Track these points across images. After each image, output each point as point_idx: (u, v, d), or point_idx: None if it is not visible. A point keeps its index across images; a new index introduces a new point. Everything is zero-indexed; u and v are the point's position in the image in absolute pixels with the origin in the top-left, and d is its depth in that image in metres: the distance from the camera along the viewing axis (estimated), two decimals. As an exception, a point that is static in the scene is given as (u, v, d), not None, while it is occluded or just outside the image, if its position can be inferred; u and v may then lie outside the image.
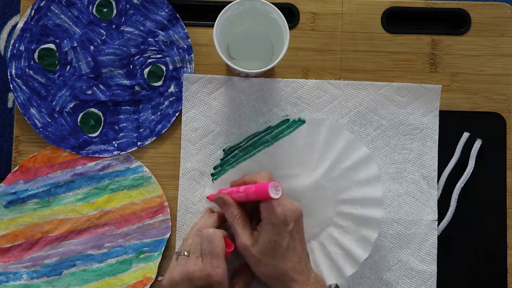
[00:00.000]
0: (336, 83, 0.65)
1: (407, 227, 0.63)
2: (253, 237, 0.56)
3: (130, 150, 0.64)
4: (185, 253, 0.56)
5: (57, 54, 0.64)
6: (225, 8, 0.57)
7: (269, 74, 0.65)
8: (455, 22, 0.67)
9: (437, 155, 0.64)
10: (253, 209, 0.58)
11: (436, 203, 0.64)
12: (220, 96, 0.65)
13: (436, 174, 0.64)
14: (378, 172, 0.62)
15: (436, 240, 0.63)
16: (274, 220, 0.54)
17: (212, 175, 0.64)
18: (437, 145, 0.64)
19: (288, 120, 0.64)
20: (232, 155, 0.64)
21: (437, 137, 0.64)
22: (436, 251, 0.63)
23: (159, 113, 0.64)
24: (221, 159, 0.64)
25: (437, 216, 0.63)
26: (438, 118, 0.65)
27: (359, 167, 0.62)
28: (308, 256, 0.57)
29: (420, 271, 0.63)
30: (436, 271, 0.63)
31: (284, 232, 0.54)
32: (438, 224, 0.63)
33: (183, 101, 0.64)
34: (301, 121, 0.64)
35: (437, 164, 0.64)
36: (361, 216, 0.61)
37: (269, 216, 0.54)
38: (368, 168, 0.62)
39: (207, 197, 0.63)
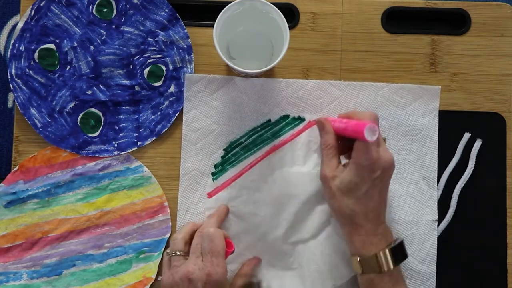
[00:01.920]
0: (336, 84, 0.65)
1: (407, 228, 0.63)
2: (338, 170, 0.56)
3: (130, 150, 0.64)
4: (178, 253, 0.56)
5: (57, 54, 0.64)
6: (225, 8, 0.57)
7: (269, 74, 0.65)
8: (455, 22, 0.67)
9: (437, 155, 0.64)
10: (347, 147, 0.58)
11: (436, 203, 0.64)
12: (221, 96, 0.65)
13: (436, 175, 0.64)
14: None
15: (436, 240, 0.63)
16: (362, 162, 0.53)
17: (213, 174, 0.64)
18: (436, 146, 0.64)
19: (288, 116, 0.64)
20: (232, 153, 0.64)
21: (437, 138, 0.64)
22: (435, 252, 0.63)
23: (159, 113, 0.64)
24: (222, 157, 0.64)
25: (437, 216, 0.63)
26: (437, 119, 0.65)
27: None
28: (385, 206, 0.57)
29: (419, 272, 0.63)
30: (435, 271, 0.63)
31: (367, 177, 0.54)
32: (438, 224, 0.63)
33: (184, 101, 0.64)
34: (301, 119, 0.64)
35: (437, 165, 0.64)
36: None
37: (359, 156, 0.54)
38: None
39: (207, 194, 0.63)
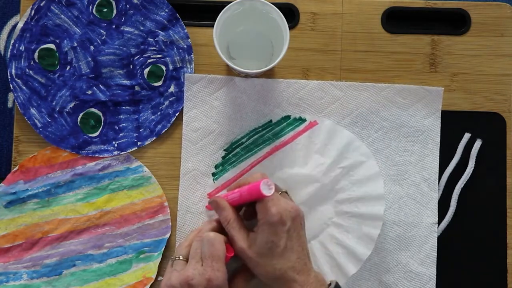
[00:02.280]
0: (337, 85, 0.65)
1: (407, 230, 0.63)
2: (250, 238, 0.56)
3: (130, 150, 0.64)
4: (181, 258, 0.56)
5: (57, 54, 0.64)
6: (225, 8, 0.57)
7: (269, 74, 0.65)
8: (455, 22, 0.67)
9: (438, 157, 0.64)
10: (251, 214, 0.58)
11: (437, 205, 0.64)
12: (222, 96, 0.65)
13: (437, 177, 0.64)
14: (378, 168, 0.62)
15: (436, 242, 0.63)
16: (270, 219, 0.53)
17: (213, 174, 0.64)
18: (438, 148, 0.64)
19: (289, 117, 0.64)
20: (233, 154, 0.64)
21: (439, 139, 0.64)
22: (435, 254, 0.63)
23: (159, 113, 0.64)
24: (223, 157, 0.64)
25: (437, 218, 0.63)
26: (440, 121, 0.64)
27: (359, 165, 0.62)
28: (308, 254, 0.57)
29: (419, 274, 0.63)
30: (435, 274, 0.63)
31: (281, 231, 0.54)
32: (438, 225, 0.63)
33: (184, 101, 0.64)
34: (302, 120, 0.64)
35: (438, 167, 0.64)
36: (362, 213, 0.61)
37: (264, 216, 0.54)
38: (368, 166, 0.62)
39: (208, 194, 0.63)
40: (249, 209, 0.59)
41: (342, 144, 0.62)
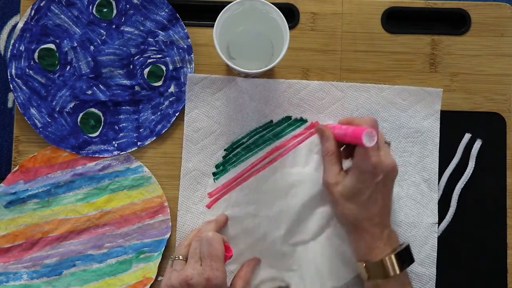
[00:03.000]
0: (338, 85, 0.65)
1: (407, 230, 0.63)
2: (340, 176, 0.56)
3: (130, 150, 0.64)
4: (180, 257, 0.56)
5: (57, 54, 0.64)
6: (225, 8, 0.57)
7: (269, 74, 0.65)
8: (455, 22, 0.67)
9: (438, 158, 0.64)
10: (350, 154, 0.58)
11: (437, 206, 0.64)
12: (223, 96, 0.65)
13: (437, 177, 0.64)
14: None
15: (436, 243, 0.63)
16: (364, 167, 0.53)
17: (214, 174, 0.64)
18: (438, 148, 0.64)
19: (290, 117, 0.64)
20: (234, 154, 0.64)
21: (438, 140, 0.64)
22: (435, 254, 0.63)
23: (159, 113, 0.64)
24: (223, 157, 0.64)
25: (437, 219, 0.63)
26: (439, 121, 0.64)
27: None
28: (389, 211, 0.57)
29: (419, 274, 0.62)
30: (435, 274, 0.63)
31: (370, 181, 0.54)
32: (439, 225, 0.63)
33: (186, 101, 0.64)
34: (303, 120, 0.64)
35: (438, 167, 0.64)
36: None
37: (360, 162, 0.54)
38: None
39: (208, 194, 0.63)
40: (348, 148, 0.59)
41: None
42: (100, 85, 0.64)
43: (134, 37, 0.64)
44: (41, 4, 0.64)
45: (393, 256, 0.54)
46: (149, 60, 0.65)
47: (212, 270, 0.53)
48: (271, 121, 0.64)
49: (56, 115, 0.64)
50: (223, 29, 0.58)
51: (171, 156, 0.65)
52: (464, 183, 0.64)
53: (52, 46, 0.64)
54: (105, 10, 0.64)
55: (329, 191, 0.56)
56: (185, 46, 0.65)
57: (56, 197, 0.63)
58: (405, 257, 0.55)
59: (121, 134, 0.64)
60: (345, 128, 0.56)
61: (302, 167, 0.63)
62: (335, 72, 0.65)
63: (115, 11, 0.65)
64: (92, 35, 0.64)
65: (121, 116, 0.64)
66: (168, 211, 0.63)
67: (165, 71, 0.65)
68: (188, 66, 0.65)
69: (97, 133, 0.64)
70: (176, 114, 0.64)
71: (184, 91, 0.65)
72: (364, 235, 0.55)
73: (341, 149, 0.59)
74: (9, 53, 0.64)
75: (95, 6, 0.64)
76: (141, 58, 0.65)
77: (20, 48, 0.64)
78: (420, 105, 0.65)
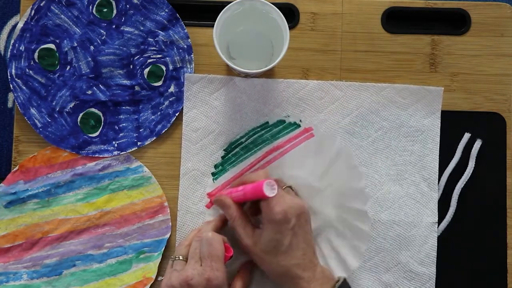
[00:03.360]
0: (337, 84, 0.65)
1: (407, 229, 0.63)
2: (255, 235, 0.56)
3: (130, 150, 0.64)
4: (180, 258, 0.56)
5: (57, 54, 0.64)
6: (225, 8, 0.57)
7: (269, 74, 0.65)
8: (455, 22, 0.67)
9: (438, 157, 0.64)
10: (256, 210, 0.58)
11: (437, 205, 0.64)
12: (222, 96, 0.65)
13: (437, 176, 0.64)
14: (364, 185, 0.62)
15: (436, 242, 0.63)
16: (274, 218, 0.53)
17: (213, 174, 0.64)
18: (438, 147, 0.64)
19: (284, 121, 0.64)
20: (233, 153, 0.64)
21: (439, 139, 0.64)
22: (435, 254, 0.63)
23: (159, 113, 0.64)
24: (222, 157, 0.64)
25: (437, 218, 0.63)
26: (439, 120, 0.64)
27: (349, 176, 0.62)
28: (314, 250, 0.57)
29: (419, 273, 0.62)
30: (435, 273, 0.63)
31: (285, 229, 0.54)
32: (438, 225, 0.63)
33: (184, 101, 0.64)
34: (297, 125, 0.64)
35: (438, 166, 0.64)
36: (352, 225, 0.61)
37: (269, 214, 0.54)
38: (355, 179, 0.62)
39: (207, 194, 0.63)
40: (254, 205, 0.59)
41: (337, 148, 0.62)
42: (100, 85, 0.64)
43: (134, 37, 0.65)
44: (41, 4, 0.64)
45: None
46: (149, 60, 0.65)
47: (212, 271, 0.53)
48: (267, 122, 0.64)
49: (56, 115, 0.64)
50: (223, 29, 0.58)
51: (171, 156, 0.65)
52: (464, 183, 0.64)
53: (52, 46, 0.64)
54: (105, 10, 0.64)
55: (251, 252, 0.56)
56: (185, 46, 0.65)
57: (56, 197, 0.63)
58: None
59: (121, 134, 0.64)
60: (243, 188, 0.57)
61: (299, 169, 0.63)
62: (335, 72, 0.65)
63: (115, 11, 0.65)
64: (92, 35, 0.64)
65: (121, 116, 0.64)
66: (168, 211, 0.63)
67: (165, 71, 0.65)
68: (188, 66, 0.65)
69: (97, 133, 0.64)
70: (176, 114, 0.64)
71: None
72: (299, 283, 0.54)
73: (245, 208, 0.59)
74: (9, 53, 0.64)
75: (95, 6, 0.64)
76: (141, 58, 0.65)
77: (20, 48, 0.64)
78: (420, 103, 0.65)
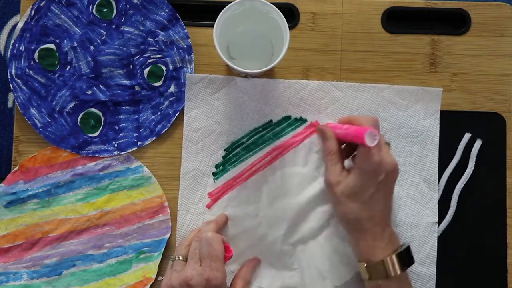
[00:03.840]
0: (338, 85, 0.65)
1: (407, 230, 0.63)
2: (342, 175, 0.56)
3: (130, 150, 0.64)
4: (180, 258, 0.56)
5: (57, 54, 0.64)
6: (225, 8, 0.57)
7: (269, 74, 0.65)
8: (455, 22, 0.67)
9: (437, 157, 0.64)
10: (352, 152, 0.58)
11: (437, 205, 0.64)
12: (223, 96, 0.65)
13: (437, 177, 0.64)
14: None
15: (436, 242, 0.63)
16: (366, 166, 0.54)
17: (214, 174, 0.64)
18: (437, 148, 0.64)
19: (289, 117, 0.64)
20: (234, 153, 0.64)
21: (438, 140, 0.64)
22: (435, 254, 0.63)
23: (159, 113, 0.64)
24: (223, 157, 0.64)
25: (437, 219, 0.63)
26: (439, 121, 0.64)
27: None
28: (390, 211, 0.56)
29: (419, 274, 0.62)
30: (435, 273, 0.63)
31: (372, 181, 0.54)
32: (438, 225, 0.63)
33: (185, 101, 0.64)
34: (303, 120, 0.64)
35: (437, 167, 0.64)
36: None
37: (362, 161, 0.54)
38: None
39: (208, 194, 0.63)
40: (351, 147, 0.59)
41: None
42: (100, 85, 0.64)
43: (134, 37, 0.65)
44: (41, 4, 0.64)
45: (394, 257, 0.54)
46: (149, 60, 0.65)
47: (212, 271, 0.53)
48: (271, 120, 0.64)
49: (56, 115, 0.64)
50: (223, 29, 0.58)
51: (171, 156, 0.65)
52: (464, 183, 0.64)
53: (52, 46, 0.64)
54: (105, 10, 0.64)
55: (331, 190, 0.56)
56: (185, 46, 0.65)
57: (56, 197, 0.63)
58: (406, 257, 0.55)
59: (121, 134, 0.64)
60: (347, 128, 0.56)
61: (302, 166, 0.63)
62: (335, 72, 0.65)
63: (115, 11, 0.65)
64: (92, 35, 0.64)
65: (121, 116, 0.64)
66: (168, 211, 0.63)
67: (165, 71, 0.65)
68: (188, 66, 0.65)
69: (97, 133, 0.64)
70: (176, 114, 0.64)
71: (184, 91, 0.65)
72: (365, 235, 0.55)
73: (342, 147, 0.59)
74: (9, 53, 0.64)
75: (95, 6, 0.64)
76: (141, 58, 0.65)
77: (20, 48, 0.64)
78: (419, 104, 0.65)
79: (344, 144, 0.60)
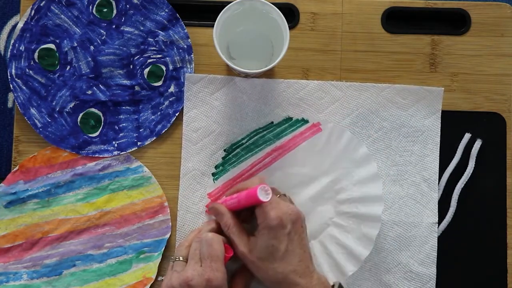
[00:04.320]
0: (338, 85, 0.65)
1: (407, 230, 0.63)
2: (250, 243, 0.56)
3: (130, 150, 0.64)
4: (181, 258, 0.56)
5: (57, 54, 0.64)
6: (225, 8, 0.57)
7: (269, 74, 0.65)
8: (455, 22, 0.67)
9: (438, 157, 0.64)
10: (251, 216, 0.58)
11: (437, 205, 0.64)
12: (222, 96, 0.65)
13: (437, 177, 0.64)
14: (377, 170, 0.62)
15: (436, 242, 0.63)
16: (269, 223, 0.53)
17: (213, 174, 0.64)
18: (438, 148, 0.64)
19: (291, 118, 0.64)
20: (233, 154, 0.64)
21: (439, 139, 0.64)
22: (436, 254, 0.63)
23: (159, 113, 0.64)
24: (223, 158, 0.64)
25: (437, 219, 0.63)
26: (440, 121, 0.64)
27: (359, 166, 0.62)
28: (310, 257, 0.56)
29: (419, 274, 0.62)
30: (435, 274, 0.63)
31: (281, 235, 0.53)
32: (439, 226, 0.63)
33: (184, 101, 0.64)
34: (304, 121, 0.64)
35: (438, 167, 0.64)
36: (361, 214, 0.60)
37: (264, 220, 0.54)
38: (367, 167, 0.62)
39: (208, 194, 0.63)
40: (248, 212, 0.59)
41: (342, 145, 0.62)
42: (100, 85, 0.64)
43: (134, 37, 0.65)
44: (41, 4, 0.64)
45: None
46: (149, 60, 0.65)
47: (212, 271, 0.53)
48: (272, 122, 0.64)
49: (56, 115, 0.64)
50: (223, 29, 0.58)
51: (171, 156, 0.65)
52: (464, 183, 0.64)
53: (52, 46, 0.64)
54: (105, 10, 0.64)
55: (247, 260, 0.56)
56: (185, 46, 0.65)
57: (56, 197, 0.63)
58: None
59: (121, 134, 0.64)
60: (237, 196, 0.57)
61: (302, 167, 0.63)
62: (335, 72, 0.65)
63: (115, 11, 0.65)
64: (92, 35, 0.64)
65: (121, 116, 0.64)
66: (168, 211, 0.63)
67: (165, 71, 0.65)
68: (188, 66, 0.65)
69: (97, 133, 0.64)
70: (176, 114, 0.64)
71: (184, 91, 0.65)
72: None
73: (241, 216, 0.59)
74: (9, 53, 0.64)
75: (95, 6, 0.64)
76: (141, 58, 0.65)
77: (20, 48, 0.64)
78: (420, 104, 0.65)
79: (242, 213, 0.60)
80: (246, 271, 0.60)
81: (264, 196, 0.53)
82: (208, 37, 0.61)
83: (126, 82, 0.64)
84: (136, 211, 0.63)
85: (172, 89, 0.65)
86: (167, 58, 0.65)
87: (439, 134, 0.64)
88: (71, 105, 0.64)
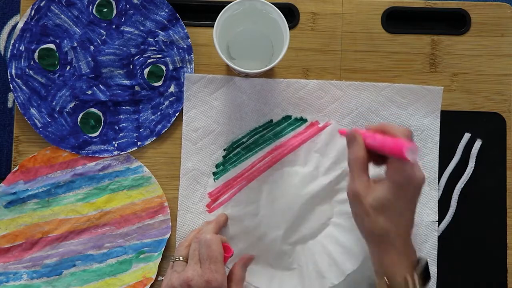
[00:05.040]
0: (337, 84, 0.65)
1: (408, 228, 0.63)
2: (370, 187, 0.53)
3: (130, 150, 0.64)
4: (181, 258, 0.56)
5: (57, 54, 0.64)
6: (225, 8, 0.57)
7: (269, 74, 0.65)
8: (455, 22, 0.67)
9: (438, 156, 0.64)
10: (378, 161, 0.55)
11: (437, 204, 0.64)
12: (222, 96, 0.65)
13: (437, 175, 0.64)
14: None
15: (436, 241, 0.63)
16: (399, 180, 0.51)
17: (214, 174, 0.64)
18: (438, 147, 0.64)
19: (290, 117, 0.64)
20: (234, 153, 0.64)
21: (438, 138, 0.64)
22: (436, 253, 0.63)
23: (159, 113, 0.64)
24: (224, 157, 0.64)
25: (437, 217, 0.63)
26: (439, 120, 0.64)
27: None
28: (413, 225, 0.54)
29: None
30: (436, 272, 0.63)
31: (402, 195, 0.51)
32: (439, 225, 0.63)
33: (184, 101, 0.64)
34: (303, 120, 0.64)
35: (437, 166, 0.64)
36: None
37: (395, 174, 0.51)
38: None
39: (208, 194, 0.63)
40: (376, 157, 0.55)
41: (342, 145, 0.62)
42: (100, 85, 0.64)
43: (134, 37, 0.65)
44: (41, 4, 0.64)
45: (415, 276, 0.52)
46: (149, 60, 0.65)
47: (212, 272, 0.53)
48: (271, 120, 0.64)
49: (56, 115, 0.64)
50: (223, 29, 0.58)
51: (171, 156, 0.65)
52: (464, 183, 0.64)
53: (52, 46, 0.64)
54: (105, 10, 0.64)
55: (357, 201, 0.53)
56: (185, 46, 0.65)
57: (56, 197, 0.63)
58: (426, 275, 0.54)
59: (121, 134, 0.64)
60: (382, 139, 0.53)
61: (302, 166, 0.63)
62: (335, 72, 0.65)
63: (115, 11, 0.65)
64: (92, 35, 0.64)
65: (121, 116, 0.64)
66: (168, 211, 0.63)
67: (165, 71, 0.65)
68: (188, 66, 0.65)
69: (97, 133, 0.64)
70: (176, 114, 0.64)
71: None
72: (389, 249, 0.52)
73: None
74: (9, 53, 0.64)
75: (95, 6, 0.64)
76: (141, 58, 0.65)
77: (20, 48, 0.64)
78: (420, 103, 0.65)
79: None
80: (239, 269, 0.59)
81: (411, 156, 0.49)
82: (208, 37, 0.61)
83: (126, 82, 0.64)
84: (136, 211, 0.63)
85: (172, 89, 0.65)
86: (167, 58, 0.65)
87: (439, 133, 0.64)
88: (71, 105, 0.64)
